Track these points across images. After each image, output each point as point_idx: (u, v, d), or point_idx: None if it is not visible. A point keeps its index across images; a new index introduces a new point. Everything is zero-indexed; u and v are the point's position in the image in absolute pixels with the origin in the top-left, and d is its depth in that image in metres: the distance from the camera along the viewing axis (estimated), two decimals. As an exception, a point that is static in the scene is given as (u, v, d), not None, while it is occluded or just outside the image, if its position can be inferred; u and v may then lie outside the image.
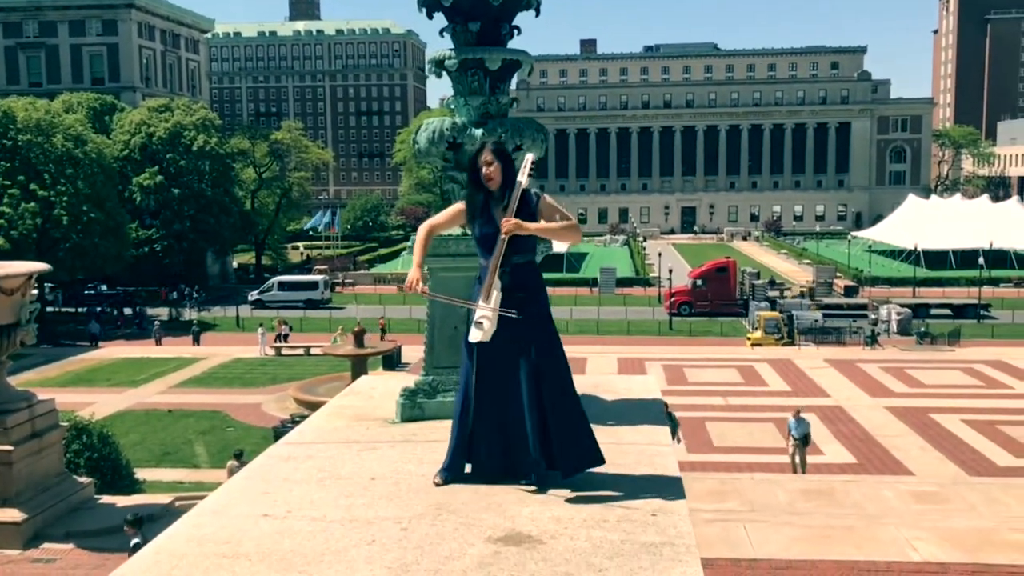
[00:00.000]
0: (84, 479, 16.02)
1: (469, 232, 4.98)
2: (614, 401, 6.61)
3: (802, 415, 26.17)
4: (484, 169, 4.76)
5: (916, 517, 17.63)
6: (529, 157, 4.87)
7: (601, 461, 4.81)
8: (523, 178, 4.75)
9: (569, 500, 4.54)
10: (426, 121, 6.18)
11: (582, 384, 7.12)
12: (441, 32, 6.17)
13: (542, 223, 4.70)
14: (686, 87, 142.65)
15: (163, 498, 16.69)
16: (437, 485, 4.74)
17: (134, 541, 12.69)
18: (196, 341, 51.08)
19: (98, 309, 60.66)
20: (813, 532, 15.30)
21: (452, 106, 6.27)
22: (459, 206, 4.92)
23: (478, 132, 5.98)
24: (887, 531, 15.55)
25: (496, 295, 4.62)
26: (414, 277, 4.73)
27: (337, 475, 4.99)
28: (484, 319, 4.59)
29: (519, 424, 4.71)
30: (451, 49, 6.04)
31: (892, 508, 19.14)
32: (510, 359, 4.72)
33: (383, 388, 7.06)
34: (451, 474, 4.78)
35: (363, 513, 4.40)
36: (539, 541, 4.03)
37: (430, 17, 6.14)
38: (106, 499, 15.94)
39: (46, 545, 14.13)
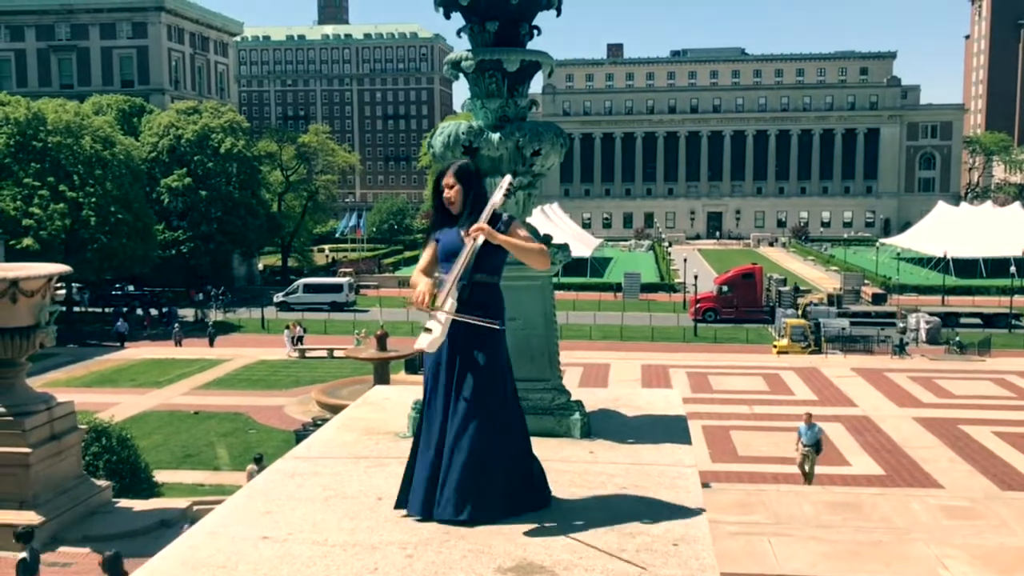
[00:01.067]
0: (102, 482, 15.98)
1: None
2: (635, 417, 6.36)
3: (814, 421, 25.28)
4: (445, 192, 4.54)
5: (946, 533, 17.19)
6: (507, 179, 4.60)
7: (493, 517, 4.36)
8: (497, 198, 4.47)
9: (585, 527, 4.29)
10: (442, 125, 5.96)
11: (602, 398, 6.90)
12: (459, 32, 5.95)
13: (511, 238, 4.38)
14: (713, 92, 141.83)
15: (181, 502, 16.62)
16: None
17: (20, 556, 12.33)
18: (211, 342, 51.27)
19: (125, 309, 61.03)
20: (840, 548, 14.93)
21: (469, 109, 6.05)
22: (433, 245, 4.63)
23: (495, 136, 5.75)
24: (916, 548, 15.14)
25: (451, 303, 4.33)
26: (422, 291, 4.32)
27: (343, 494, 4.78)
28: (435, 325, 4.30)
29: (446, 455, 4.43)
30: (468, 50, 5.82)
31: (921, 523, 18.70)
32: (453, 379, 4.47)
33: (397, 399, 6.85)
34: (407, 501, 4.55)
35: (367, 537, 4.18)
36: (552, 573, 3.79)
37: (447, 17, 5.92)
38: (124, 503, 15.89)
39: (63, 549, 14.08)
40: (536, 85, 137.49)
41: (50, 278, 14.59)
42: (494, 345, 4.48)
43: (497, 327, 4.42)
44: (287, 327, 50.91)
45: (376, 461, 5.33)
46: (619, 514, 4.43)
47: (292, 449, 5.73)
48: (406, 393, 7.03)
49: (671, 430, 5.97)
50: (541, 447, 5.04)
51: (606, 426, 6.04)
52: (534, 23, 5.91)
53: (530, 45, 5.95)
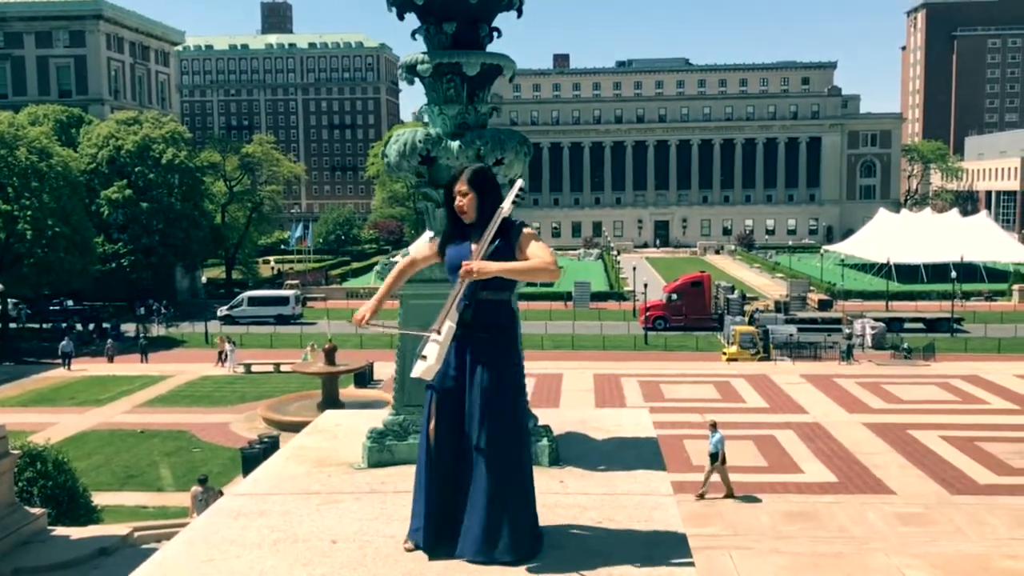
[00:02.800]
0: (37, 510, 15.18)
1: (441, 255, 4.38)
2: (604, 440, 6.02)
3: (717, 428, 23.88)
4: (457, 200, 4.20)
5: (903, 541, 17.21)
6: (518, 184, 4.28)
7: (528, 557, 4.09)
8: (507, 205, 4.15)
9: (560, 572, 3.93)
10: (397, 132, 5.57)
11: (569, 420, 6.55)
12: (413, 34, 5.57)
13: (509, 264, 4.03)
14: (658, 102, 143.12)
15: (121, 528, 15.88)
16: (408, 550, 4.12)
17: None
18: (144, 357, 49.89)
19: (64, 325, 59.23)
20: (801, 560, 14.82)
21: (426, 117, 5.67)
22: (437, 239, 4.38)
23: (454, 144, 5.38)
24: (876, 558, 15.09)
25: (449, 327, 3.99)
26: (365, 308, 4.20)
27: (293, 536, 4.36)
28: (429, 351, 3.97)
29: (468, 492, 4.11)
30: (424, 53, 5.44)
31: (878, 531, 18.73)
32: (464, 410, 4.12)
33: (348, 426, 6.42)
34: (423, 537, 4.16)
35: (321, 588, 3.78)
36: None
37: (401, 17, 5.54)
38: (60, 531, 15.12)
39: (-7, 582, 13.32)
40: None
41: (-22, 296, 13.86)
42: (509, 365, 4.18)
43: (435, 335, 4.03)
44: (230, 341, 49.71)
45: (329, 497, 4.91)
46: (597, 555, 4.08)
47: (237, 485, 5.29)
48: (357, 419, 6.61)
49: (643, 455, 5.64)
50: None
51: (575, 451, 5.70)
52: (494, 24, 5.55)
53: (490, 47, 5.59)
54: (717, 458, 22.77)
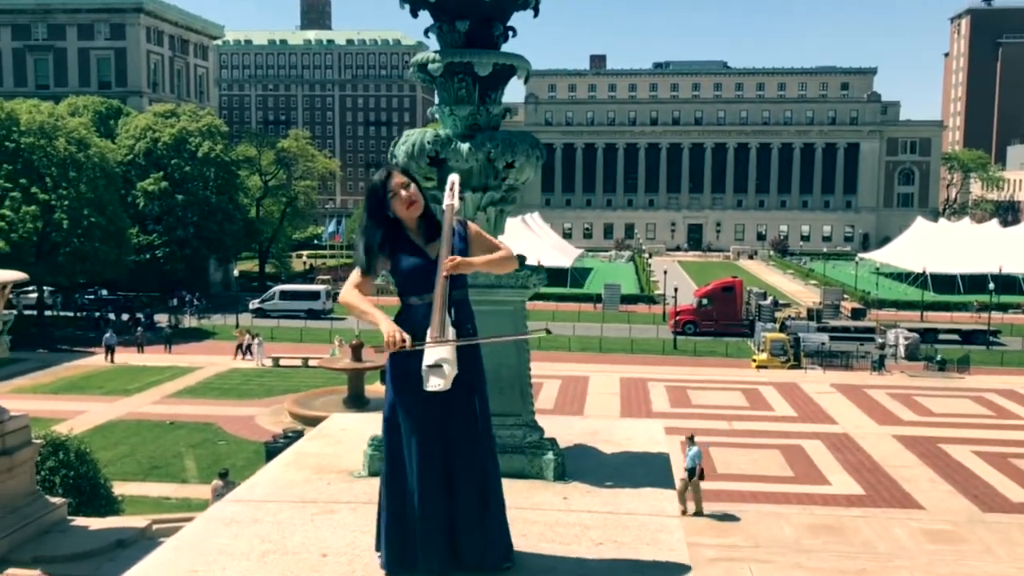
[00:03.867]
0: (57, 500, 15.26)
1: (385, 271, 4.12)
2: (614, 454, 5.84)
3: (695, 442, 22.45)
4: (402, 192, 3.96)
5: (930, 560, 16.82)
6: (454, 178, 4.11)
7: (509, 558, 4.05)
8: (455, 201, 4.01)
9: (555, 596, 3.77)
10: (406, 133, 5.43)
11: (579, 431, 6.37)
12: (426, 32, 5.42)
13: (487, 257, 3.97)
14: (695, 104, 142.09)
15: (140, 521, 15.91)
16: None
17: None
18: (168, 347, 50.43)
19: (97, 315, 59.85)
20: (823, 576, 14.52)
21: (436, 116, 5.52)
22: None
23: (464, 146, 5.23)
24: (901, 577, 14.74)
25: (452, 331, 3.81)
26: (394, 331, 3.76)
27: (283, 548, 4.23)
28: (444, 362, 3.70)
29: (463, 504, 3.94)
30: (436, 51, 5.29)
31: (904, 548, 18.32)
32: (451, 417, 3.96)
33: (354, 431, 6.29)
34: (390, 560, 3.98)
35: (305, 606, 3.64)
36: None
37: (414, 15, 5.40)
38: (79, 521, 15.18)
39: (11, 571, 13.37)
40: (519, 94, 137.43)
41: (3, 286, 13.91)
42: (480, 370, 4.06)
43: (534, 333, 4.15)
44: (258, 335, 50.03)
45: (324, 507, 4.78)
46: (594, 578, 3.91)
47: (233, 491, 5.17)
48: (365, 423, 6.48)
49: (652, 471, 5.45)
50: (511, 491, 4.52)
51: (582, 464, 5.52)
52: (509, 24, 5.39)
53: (505, 47, 5.43)
54: (694, 473, 21.40)
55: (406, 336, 3.75)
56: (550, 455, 5.29)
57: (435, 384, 3.71)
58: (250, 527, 4.48)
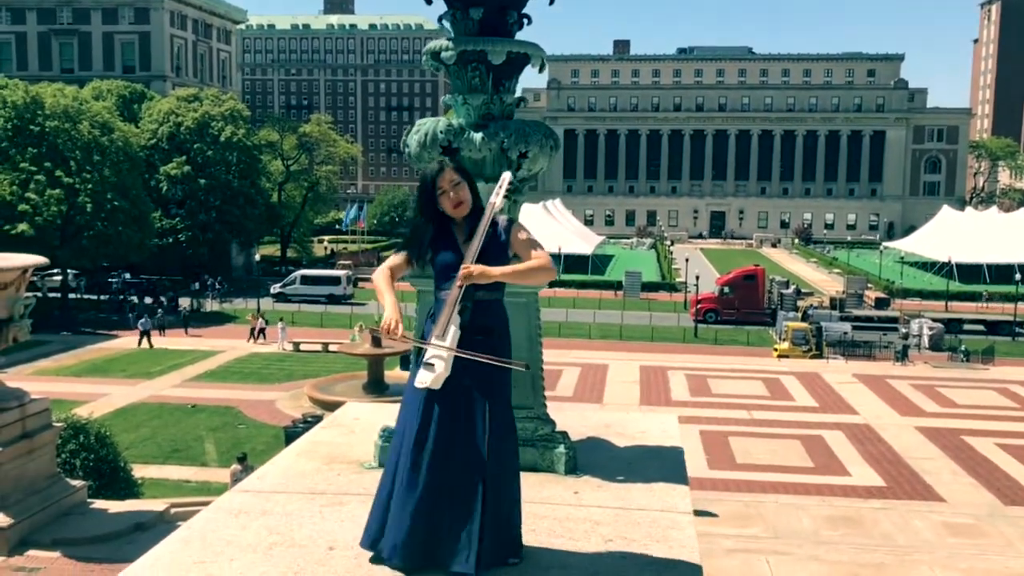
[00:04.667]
0: (77, 482, 15.36)
1: (419, 264, 4.09)
2: (627, 448, 5.77)
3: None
4: (451, 192, 3.95)
5: (950, 553, 16.66)
6: (505, 176, 4.06)
7: (518, 554, 4.04)
8: (498, 199, 3.95)
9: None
10: (419, 122, 5.36)
11: (593, 424, 6.31)
12: (440, 19, 5.35)
13: (509, 268, 3.89)
14: (719, 90, 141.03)
15: (158, 504, 16.00)
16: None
17: None
18: (186, 329, 51.28)
19: (121, 298, 60.34)
20: (840, 569, 14.39)
21: (450, 104, 5.45)
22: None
23: (477, 136, 5.16)
24: (920, 571, 14.60)
25: (454, 331, 3.80)
26: (392, 318, 3.83)
27: (291, 540, 4.21)
28: (436, 359, 3.77)
29: (458, 505, 3.86)
30: (449, 39, 5.22)
31: (924, 541, 18.17)
32: (461, 419, 3.90)
33: (367, 420, 6.27)
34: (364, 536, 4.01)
35: (309, 601, 3.61)
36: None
37: (428, 2, 5.33)
38: (99, 504, 15.27)
39: (31, 552, 13.48)
40: (541, 80, 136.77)
41: (25, 270, 13.95)
42: (489, 376, 3.96)
43: (522, 369, 3.94)
44: (281, 319, 50.32)
45: (334, 499, 4.75)
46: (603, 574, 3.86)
47: (243, 482, 5.16)
48: (379, 412, 6.46)
49: (666, 466, 5.39)
50: (521, 484, 4.48)
51: (594, 458, 5.47)
52: (524, 11, 5.30)
53: (519, 35, 5.35)
54: None
55: (402, 326, 3.84)
56: (561, 448, 5.24)
57: (422, 380, 3.82)
58: (259, 518, 4.46)
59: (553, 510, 4.62)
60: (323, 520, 4.45)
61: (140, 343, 46.67)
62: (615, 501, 4.75)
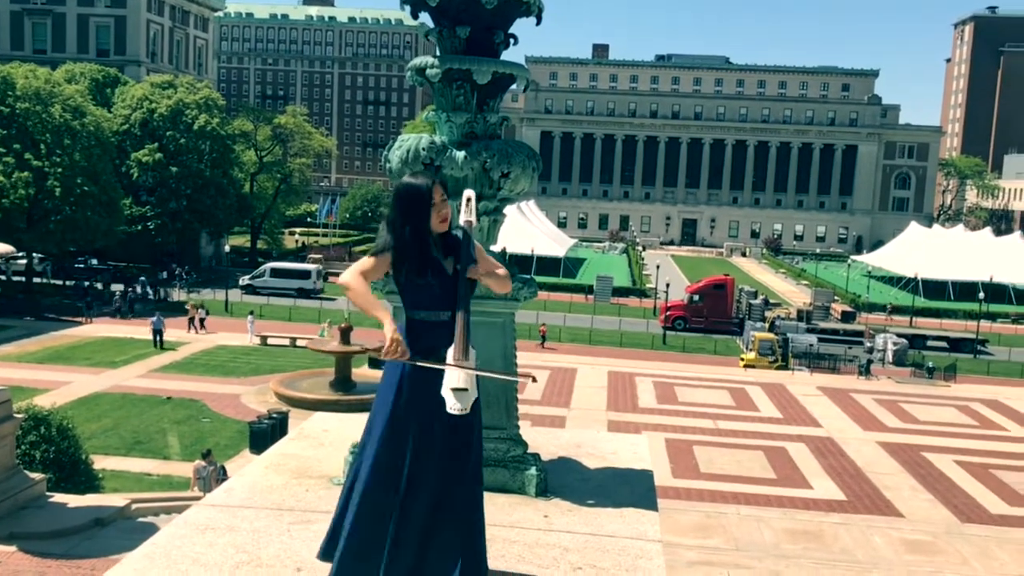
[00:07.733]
0: (36, 475, 15.17)
1: (396, 280, 3.98)
2: (597, 470, 5.78)
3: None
4: (443, 210, 3.92)
5: (907, 570, 16.89)
6: (469, 194, 4.04)
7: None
8: (472, 218, 3.95)
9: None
10: (401, 137, 5.33)
11: (564, 443, 6.32)
12: (427, 35, 5.32)
13: (491, 270, 3.99)
14: (695, 99, 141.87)
15: (119, 499, 15.84)
16: None
17: None
18: (129, 313, 51.92)
19: (87, 284, 59.59)
20: (801, 585, 14.55)
21: (432, 121, 5.43)
22: (384, 257, 3.91)
23: (460, 154, 5.14)
24: (878, 588, 14.78)
25: (473, 352, 3.76)
26: (396, 339, 3.68)
27: (257, 559, 4.16)
28: (468, 383, 3.68)
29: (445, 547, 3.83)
30: (435, 56, 5.19)
31: (882, 557, 18.40)
32: (446, 456, 3.88)
33: (337, 433, 6.22)
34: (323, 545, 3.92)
35: (275, 626, 3.58)
36: None
37: (415, 16, 5.30)
38: (58, 497, 15.09)
39: (-13, 546, 13.30)
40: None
41: (-10, 258, 13.80)
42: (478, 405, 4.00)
43: (531, 380, 3.94)
44: (251, 312, 49.89)
45: (302, 516, 4.71)
46: (572, 607, 3.86)
47: (210, 495, 5.10)
48: (348, 424, 6.41)
49: (636, 490, 5.40)
50: (491, 506, 4.48)
51: (565, 480, 5.47)
52: (511, 31, 5.29)
53: (505, 55, 5.33)
54: None
55: (406, 348, 3.72)
56: (533, 470, 5.23)
57: (457, 407, 3.69)
58: (225, 535, 4.41)
59: (523, 535, 4.61)
60: (291, 539, 4.41)
61: (155, 343, 43.87)
62: (585, 527, 4.75)
